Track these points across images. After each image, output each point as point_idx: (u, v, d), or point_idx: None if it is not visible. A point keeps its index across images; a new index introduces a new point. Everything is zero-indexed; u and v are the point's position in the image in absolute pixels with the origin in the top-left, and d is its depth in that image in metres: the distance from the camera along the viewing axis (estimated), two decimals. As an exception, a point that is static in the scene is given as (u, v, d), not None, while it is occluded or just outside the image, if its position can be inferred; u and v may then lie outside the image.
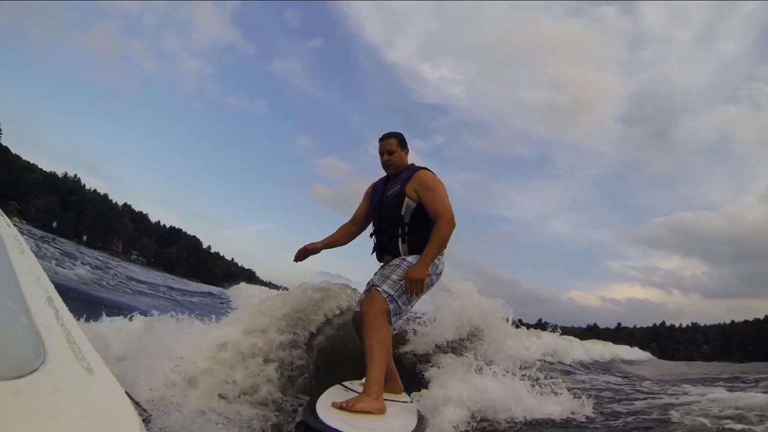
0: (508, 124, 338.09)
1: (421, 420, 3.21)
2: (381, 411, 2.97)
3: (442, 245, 3.44)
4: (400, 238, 3.57)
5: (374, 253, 3.82)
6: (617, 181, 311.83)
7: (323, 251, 4.02)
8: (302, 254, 3.97)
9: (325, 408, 2.79)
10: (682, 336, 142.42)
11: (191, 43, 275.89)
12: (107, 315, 4.89)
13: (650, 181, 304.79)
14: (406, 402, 3.61)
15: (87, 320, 4.54)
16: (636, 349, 26.40)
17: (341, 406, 2.84)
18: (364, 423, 2.74)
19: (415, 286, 3.31)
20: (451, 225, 3.44)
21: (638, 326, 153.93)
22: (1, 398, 0.57)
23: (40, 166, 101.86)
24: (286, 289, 4.85)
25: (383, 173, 3.85)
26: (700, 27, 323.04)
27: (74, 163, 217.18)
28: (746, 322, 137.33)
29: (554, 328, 12.20)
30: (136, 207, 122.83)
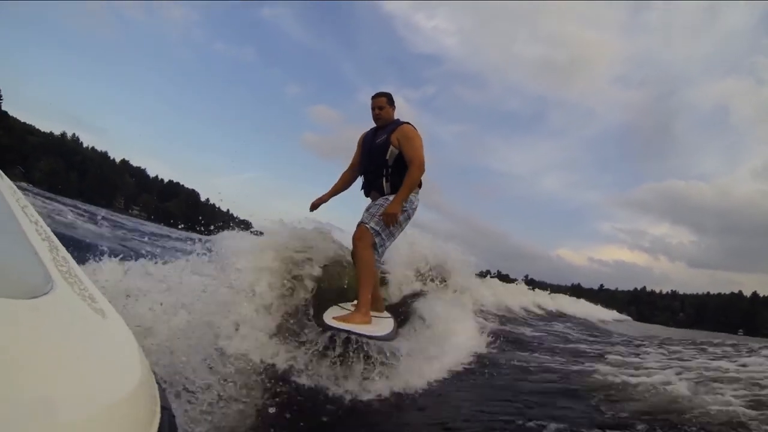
0: (502, 78, 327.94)
1: (396, 328, 4.17)
2: (367, 323, 3.79)
3: (413, 186, 4.11)
4: (384, 178, 4.25)
5: (362, 190, 4.49)
6: (611, 144, 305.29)
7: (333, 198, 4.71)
8: (315, 205, 4.65)
9: (328, 318, 3.67)
10: (661, 302, 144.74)
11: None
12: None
13: (644, 146, 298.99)
14: (387, 317, 4.41)
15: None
16: (614, 311, 26.80)
17: (340, 319, 3.66)
18: (355, 326, 3.60)
19: (391, 220, 3.99)
20: (421, 170, 4.12)
21: (620, 289, 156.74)
22: (22, 315, 0.61)
23: (36, 126, 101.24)
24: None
25: (373, 124, 4.47)
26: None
27: (59, 116, 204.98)
28: (720, 295, 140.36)
29: (538, 287, 12.30)
30: (133, 162, 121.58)
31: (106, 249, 4.66)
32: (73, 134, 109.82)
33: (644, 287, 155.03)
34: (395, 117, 4.46)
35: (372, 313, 3.98)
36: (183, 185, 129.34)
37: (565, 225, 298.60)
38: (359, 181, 4.55)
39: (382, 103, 4.37)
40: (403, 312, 5.07)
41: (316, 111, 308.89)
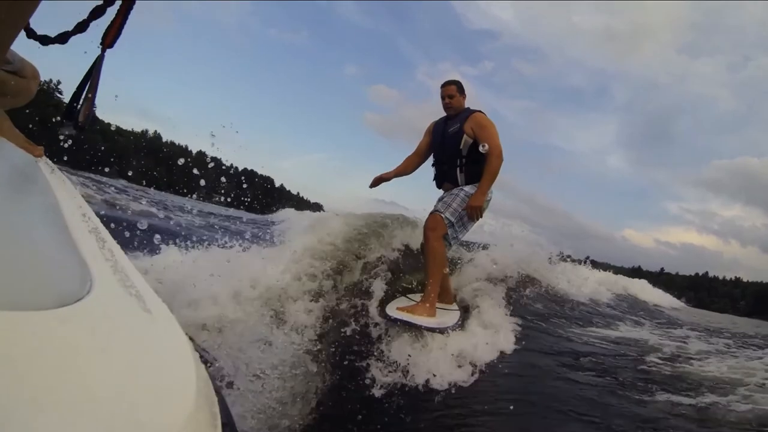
0: (562, 51, 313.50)
1: (460, 320, 3.90)
2: (432, 315, 3.63)
3: (494, 177, 3.91)
4: (458, 168, 4.06)
5: (435, 181, 4.32)
6: (679, 118, 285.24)
7: (394, 179, 4.47)
8: (377, 182, 4.42)
9: (391, 309, 3.54)
10: (722, 289, 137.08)
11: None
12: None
13: (715, 121, 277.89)
14: (454, 309, 4.17)
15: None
16: (667, 295, 25.28)
17: (403, 309, 3.54)
18: (417, 318, 3.46)
19: (476, 212, 3.88)
20: (500, 160, 3.91)
21: (680, 273, 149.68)
22: (43, 327, 0.51)
23: (119, 125, 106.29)
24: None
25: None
26: None
27: (128, 108, 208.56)
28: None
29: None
30: (192, 147, 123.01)
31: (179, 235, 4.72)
32: (155, 131, 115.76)
33: (706, 272, 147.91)
34: (466, 105, 4.26)
35: (439, 305, 3.85)
36: (257, 172, 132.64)
37: (631, 204, 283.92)
38: (426, 170, 4.42)
39: (452, 91, 4.17)
40: (470, 305, 4.64)
41: (375, 90, 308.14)
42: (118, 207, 11.10)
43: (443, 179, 4.23)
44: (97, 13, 1.30)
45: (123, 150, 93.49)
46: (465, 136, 4.01)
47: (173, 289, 3.43)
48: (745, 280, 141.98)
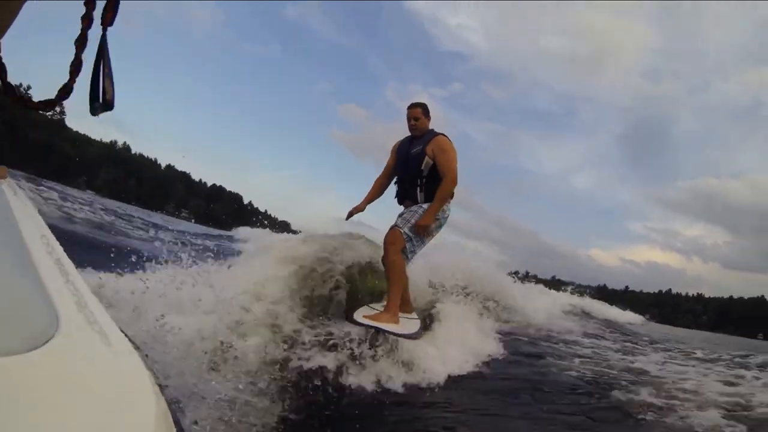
0: (529, 73, 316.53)
1: (421, 329, 4.21)
2: (395, 322, 3.87)
3: (445, 199, 4.17)
4: (418, 188, 4.28)
5: (396, 198, 4.50)
6: (643, 140, 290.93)
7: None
8: (351, 215, 4.61)
9: (358, 316, 3.82)
10: (686, 304, 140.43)
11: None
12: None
13: (678, 142, 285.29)
14: (414, 319, 4.36)
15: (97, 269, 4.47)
16: (629, 312, 25.64)
17: (369, 317, 3.78)
18: (383, 324, 3.74)
19: (424, 231, 4.09)
20: (453, 183, 4.17)
21: (645, 291, 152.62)
22: (15, 372, 0.53)
23: (89, 135, 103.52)
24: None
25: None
26: None
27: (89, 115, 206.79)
28: (742, 299, 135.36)
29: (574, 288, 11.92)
30: (161, 160, 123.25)
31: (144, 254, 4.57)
32: (124, 142, 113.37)
33: (669, 290, 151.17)
34: (430, 127, 4.45)
35: (400, 315, 4.04)
36: (225, 188, 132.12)
37: (597, 224, 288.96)
38: (392, 187, 4.58)
39: (418, 114, 4.37)
40: (429, 315, 5.03)
41: (345, 109, 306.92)
42: (78, 222, 10.80)
43: (404, 197, 4.41)
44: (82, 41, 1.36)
45: (92, 161, 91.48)
46: (426, 157, 4.21)
47: (129, 314, 3.32)
48: (707, 295, 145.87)
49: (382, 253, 4.17)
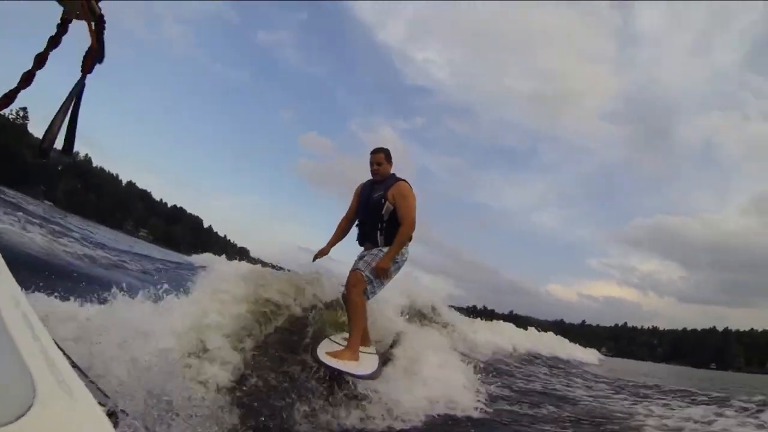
0: (493, 111, 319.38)
1: (381, 365, 4.31)
2: (356, 360, 3.95)
3: (403, 244, 4.30)
4: (378, 231, 4.39)
5: (357, 240, 4.62)
6: (602, 179, 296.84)
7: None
8: (316, 257, 4.69)
9: (322, 354, 3.84)
10: (641, 338, 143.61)
11: (177, 9, 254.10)
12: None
13: (635, 182, 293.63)
14: (372, 353, 4.47)
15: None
16: (589, 350, 26.16)
17: (331, 355, 3.84)
18: (345, 364, 3.82)
19: (382, 273, 4.20)
20: (411, 229, 4.31)
21: (601, 325, 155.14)
22: None
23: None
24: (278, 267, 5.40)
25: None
26: (696, 34, 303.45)
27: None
28: (695, 330, 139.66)
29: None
30: (122, 176, 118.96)
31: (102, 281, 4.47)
32: (86, 155, 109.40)
33: (625, 323, 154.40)
34: (392, 171, 4.57)
35: (360, 349, 4.13)
36: (186, 210, 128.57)
37: (556, 260, 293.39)
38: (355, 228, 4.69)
39: (381, 159, 4.49)
40: (386, 349, 5.20)
41: (309, 138, 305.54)
42: (29, 240, 10.35)
43: (365, 239, 4.54)
44: (53, 43, 1.30)
45: (51, 170, 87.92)
46: (387, 203, 4.34)
47: (80, 350, 3.20)
48: (661, 328, 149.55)
49: (344, 291, 4.28)
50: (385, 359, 4.73)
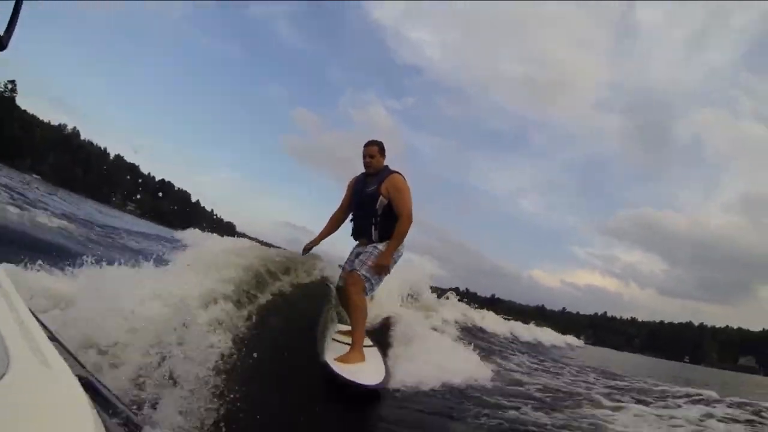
0: (484, 94, 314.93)
1: (386, 364, 4.22)
2: (363, 359, 3.94)
3: (401, 239, 4.27)
4: (373, 226, 4.34)
5: (352, 235, 4.59)
6: (592, 169, 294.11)
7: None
8: (306, 250, 4.76)
9: (332, 362, 3.63)
10: (620, 327, 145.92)
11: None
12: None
13: (622, 173, 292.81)
14: (371, 346, 4.52)
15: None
16: (569, 336, 26.87)
17: (340, 360, 3.73)
18: (356, 369, 3.71)
19: (383, 270, 4.22)
20: (409, 223, 4.26)
21: (581, 312, 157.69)
22: None
23: (36, 115, 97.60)
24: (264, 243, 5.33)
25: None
26: (692, 30, 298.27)
27: (39, 94, 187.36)
28: (672, 324, 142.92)
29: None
30: (110, 149, 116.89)
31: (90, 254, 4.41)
32: (74, 128, 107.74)
33: (605, 312, 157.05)
34: (385, 163, 4.50)
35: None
36: (174, 185, 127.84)
37: (541, 246, 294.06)
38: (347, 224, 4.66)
39: (374, 152, 4.42)
40: (384, 335, 5.38)
41: (297, 114, 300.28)
42: (21, 212, 10.19)
43: (359, 234, 4.50)
44: None
45: (39, 143, 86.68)
46: (381, 197, 4.27)
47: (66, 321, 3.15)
48: (640, 319, 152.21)
49: (339, 284, 4.41)
50: (384, 348, 4.81)
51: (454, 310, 10.52)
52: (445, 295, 11.77)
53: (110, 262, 4.34)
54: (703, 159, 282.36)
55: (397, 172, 4.39)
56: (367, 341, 4.50)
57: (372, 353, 4.31)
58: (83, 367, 1.58)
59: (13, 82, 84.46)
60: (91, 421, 0.67)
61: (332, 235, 4.84)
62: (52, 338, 1.54)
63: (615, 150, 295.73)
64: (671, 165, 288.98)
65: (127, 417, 1.25)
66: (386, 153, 4.52)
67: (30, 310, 0.92)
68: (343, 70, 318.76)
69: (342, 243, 4.67)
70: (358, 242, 4.53)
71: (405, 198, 4.26)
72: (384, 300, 6.55)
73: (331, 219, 4.77)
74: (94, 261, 4.33)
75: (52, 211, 13.50)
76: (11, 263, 4.02)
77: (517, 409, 4.33)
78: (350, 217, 4.65)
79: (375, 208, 4.28)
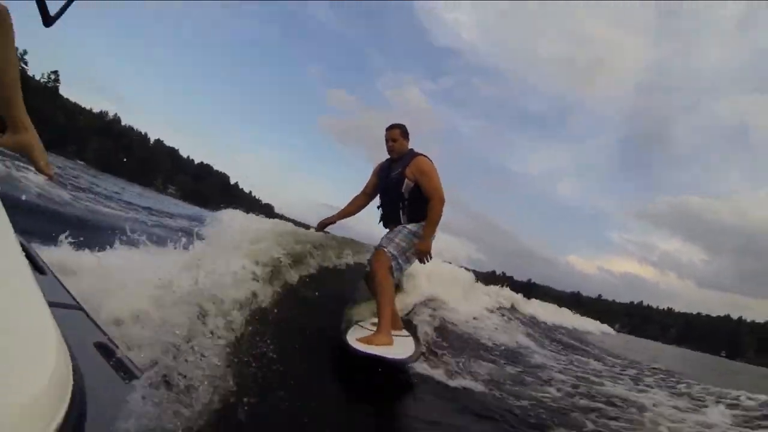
0: (523, 75, 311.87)
1: (417, 346, 4.11)
2: (390, 343, 3.70)
3: (437, 221, 4.10)
4: (401, 210, 4.17)
5: (381, 222, 4.39)
6: (630, 152, 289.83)
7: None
8: (322, 226, 4.56)
9: (353, 341, 3.52)
10: (656, 317, 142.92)
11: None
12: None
13: (664, 157, 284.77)
14: (405, 336, 4.32)
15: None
16: (597, 322, 26.46)
17: (363, 341, 3.55)
18: (381, 349, 3.51)
19: (425, 255, 4.06)
20: (442, 204, 4.06)
21: (617, 300, 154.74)
22: None
23: (79, 103, 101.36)
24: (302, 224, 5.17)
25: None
26: (740, 10, 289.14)
27: (80, 81, 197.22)
28: (709, 316, 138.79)
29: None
30: (151, 134, 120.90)
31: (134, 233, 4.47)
32: (116, 114, 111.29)
33: (641, 301, 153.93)
34: (409, 147, 4.31)
35: (392, 332, 3.93)
36: (213, 167, 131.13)
37: (578, 231, 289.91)
38: (371, 209, 4.50)
39: (396, 135, 4.25)
40: (416, 324, 5.20)
41: (334, 95, 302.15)
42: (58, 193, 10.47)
43: (388, 221, 4.32)
44: None
45: (82, 130, 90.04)
46: (407, 180, 4.11)
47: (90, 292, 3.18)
48: (676, 310, 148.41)
49: (367, 270, 4.16)
50: (418, 335, 4.66)
51: (501, 299, 10.72)
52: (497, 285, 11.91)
53: (156, 241, 4.39)
54: (751, 146, 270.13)
55: (422, 155, 4.22)
56: (403, 332, 4.37)
57: (404, 342, 4.10)
58: (77, 301, 1.58)
59: (55, 72, 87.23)
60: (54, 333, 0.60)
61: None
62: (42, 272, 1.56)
63: (655, 134, 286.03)
64: (715, 151, 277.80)
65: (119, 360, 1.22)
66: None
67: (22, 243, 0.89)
68: (381, 53, 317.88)
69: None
70: (388, 230, 4.30)
71: (434, 180, 4.08)
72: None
73: (353, 201, 4.58)
74: (139, 240, 4.34)
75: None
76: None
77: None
78: (377, 204, 4.45)
79: (401, 191, 4.12)
